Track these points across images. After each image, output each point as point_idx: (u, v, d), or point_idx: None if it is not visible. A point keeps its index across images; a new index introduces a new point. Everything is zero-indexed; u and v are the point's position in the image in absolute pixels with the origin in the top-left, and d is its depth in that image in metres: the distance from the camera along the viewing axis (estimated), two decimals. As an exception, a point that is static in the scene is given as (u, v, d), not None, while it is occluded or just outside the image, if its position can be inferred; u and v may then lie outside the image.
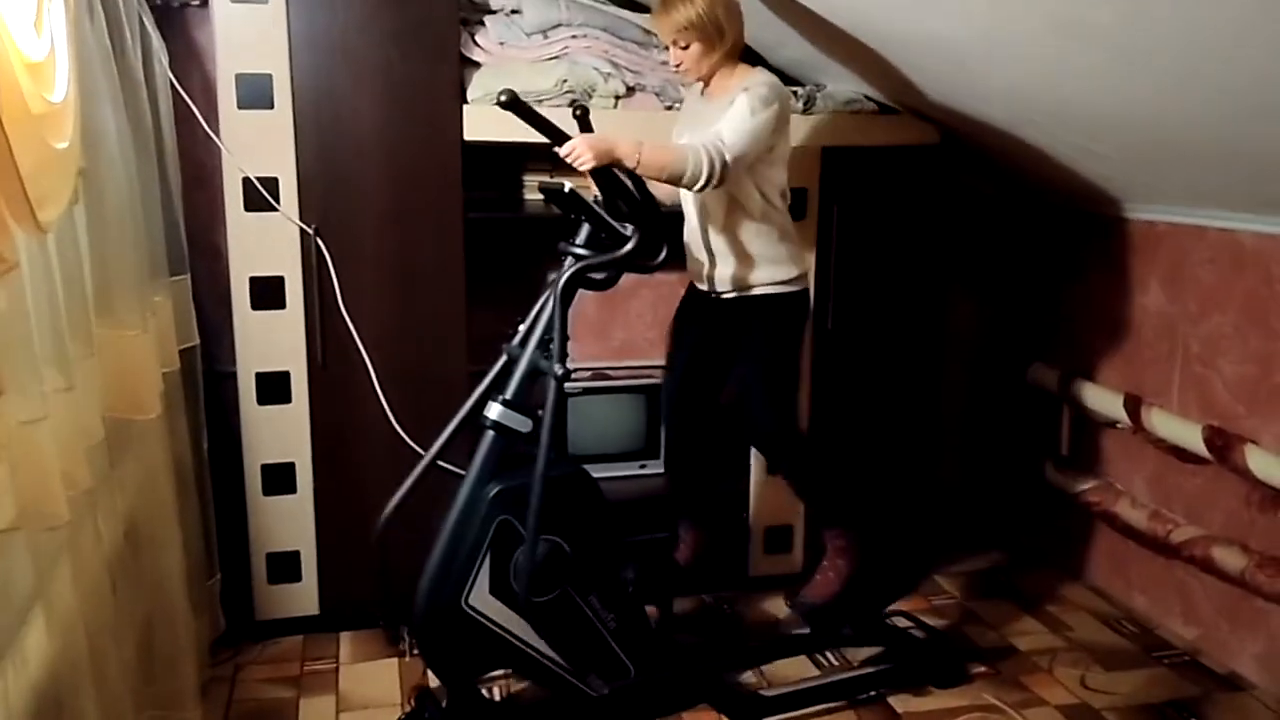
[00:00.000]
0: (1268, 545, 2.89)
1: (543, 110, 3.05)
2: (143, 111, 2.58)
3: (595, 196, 2.67)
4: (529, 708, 2.81)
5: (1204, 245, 3.09)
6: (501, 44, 3.13)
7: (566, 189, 2.46)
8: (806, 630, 3.14)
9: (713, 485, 3.24)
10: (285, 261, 2.99)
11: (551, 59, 3.16)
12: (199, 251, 3.08)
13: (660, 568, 3.19)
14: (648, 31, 3.20)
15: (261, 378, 3.04)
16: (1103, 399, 3.45)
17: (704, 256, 2.88)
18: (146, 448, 2.45)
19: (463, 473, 2.55)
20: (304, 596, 3.18)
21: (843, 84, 3.38)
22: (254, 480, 3.09)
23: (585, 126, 2.53)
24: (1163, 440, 3.20)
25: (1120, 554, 3.52)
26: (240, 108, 2.89)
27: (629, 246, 2.53)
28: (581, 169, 2.45)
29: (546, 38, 3.15)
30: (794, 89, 3.28)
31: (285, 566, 3.15)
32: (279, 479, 3.10)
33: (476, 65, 3.11)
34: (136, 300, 2.34)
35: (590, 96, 3.14)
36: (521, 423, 2.48)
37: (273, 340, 3.02)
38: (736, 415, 3.01)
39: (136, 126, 2.50)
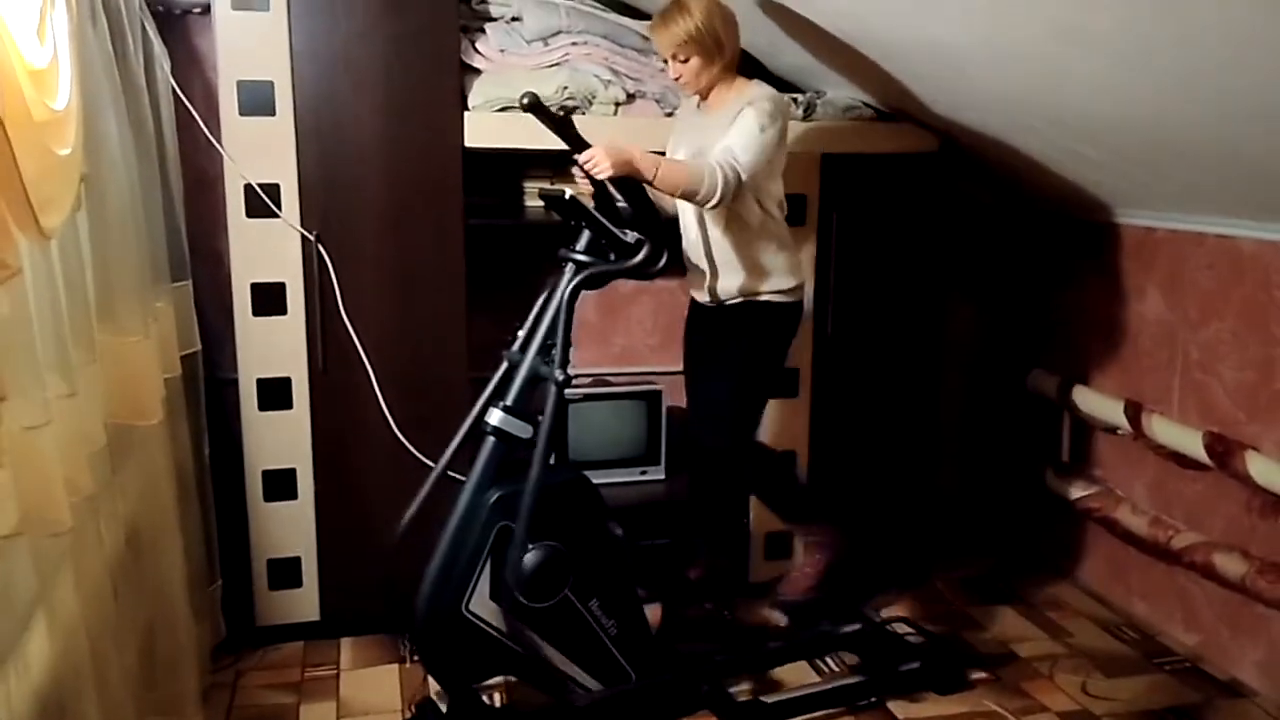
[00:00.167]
0: (1268, 551, 2.89)
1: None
2: (145, 118, 2.59)
3: (617, 202, 2.67)
4: (529, 714, 2.80)
5: (1203, 251, 3.10)
6: (502, 51, 3.13)
7: (567, 195, 2.47)
8: (784, 623, 3.18)
9: (732, 503, 3.25)
10: (286, 268, 3.00)
11: (552, 66, 3.17)
12: (200, 258, 3.09)
13: (670, 578, 3.19)
14: (647, 38, 3.20)
15: (262, 384, 3.04)
16: (1103, 405, 3.45)
17: (703, 268, 2.89)
18: (148, 454, 2.45)
19: (463, 479, 2.55)
20: (305, 602, 3.18)
21: (842, 91, 3.38)
22: (255, 486, 3.09)
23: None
24: (1163, 446, 3.21)
25: (1121, 560, 3.51)
26: (242, 114, 2.90)
27: (640, 257, 2.54)
28: (599, 177, 2.46)
29: (547, 45, 3.16)
30: (793, 96, 3.29)
31: (286, 572, 3.15)
32: (280, 485, 3.10)
33: (477, 72, 3.12)
34: (138, 306, 2.34)
35: (590, 103, 3.15)
36: (522, 429, 2.48)
37: (274, 346, 3.03)
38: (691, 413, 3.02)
39: (138, 133, 2.51)
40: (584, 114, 3.15)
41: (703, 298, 2.94)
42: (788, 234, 2.90)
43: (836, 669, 3.10)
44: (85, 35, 2.12)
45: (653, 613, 2.97)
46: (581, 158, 2.47)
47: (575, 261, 2.56)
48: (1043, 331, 3.88)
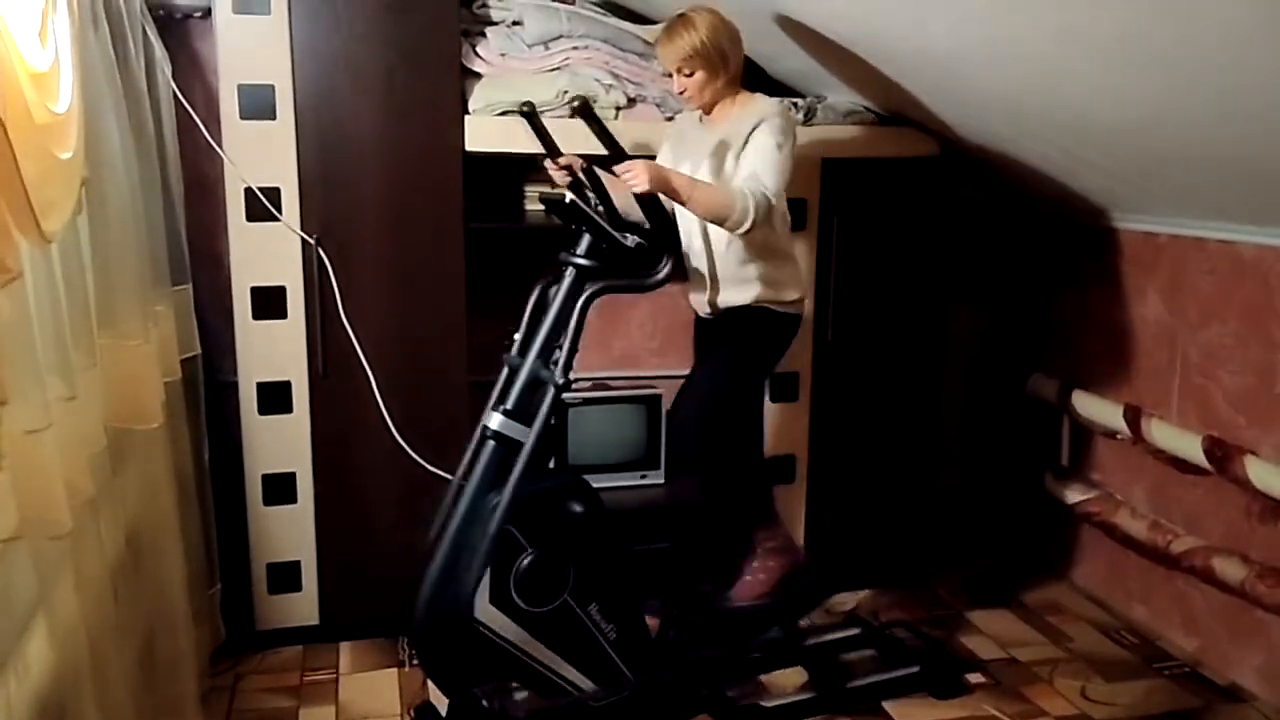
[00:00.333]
0: (1268, 556, 2.89)
1: (544, 121, 3.09)
2: (145, 122, 2.59)
3: (595, 206, 2.68)
4: (528, 717, 2.80)
5: (1203, 256, 3.10)
6: (503, 55, 3.14)
7: (567, 200, 2.47)
8: (721, 627, 3.06)
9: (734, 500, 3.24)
10: (287, 271, 3.00)
11: (553, 70, 3.17)
12: (201, 261, 3.09)
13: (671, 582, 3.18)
14: (648, 43, 3.21)
15: (262, 387, 3.04)
16: (1102, 409, 3.45)
17: (705, 282, 2.88)
18: (148, 457, 2.45)
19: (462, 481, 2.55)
20: (304, 606, 3.18)
21: (843, 95, 3.39)
22: (255, 490, 3.09)
23: (593, 122, 2.47)
24: (1162, 451, 3.21)
25: (1120, 564, 3.52)
26: (242, 118, 2.90)
27: (661, 274, 2.57)
28: (635, 190, 2.48)
29: (548, 49, 3.16)
30: (794, 100, 3.30)
31: (285, 576, 3.15)
32: (280, 489, 3.10)
33: (477, 76, 3.12)
34: (139, 310, 2.34)
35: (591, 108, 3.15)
36: (522, 432, 2.48)
37: (274, 350, 3.03)
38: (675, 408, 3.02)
39: (139, 136, 2.51)
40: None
41: (703, 310, 2.93)
42: (791, 247, 2.90)
43: (835, 673, 3.09)
44: (87, 39, 2.13)
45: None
46: (619, 168, 2.49)
47: (576, 266, 2.56)
48: (1043, 336, 3.88)
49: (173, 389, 2.67)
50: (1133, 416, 3.30)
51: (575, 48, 3.18)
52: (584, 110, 2.37)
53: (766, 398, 3.38)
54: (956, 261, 3.85)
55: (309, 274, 3.00)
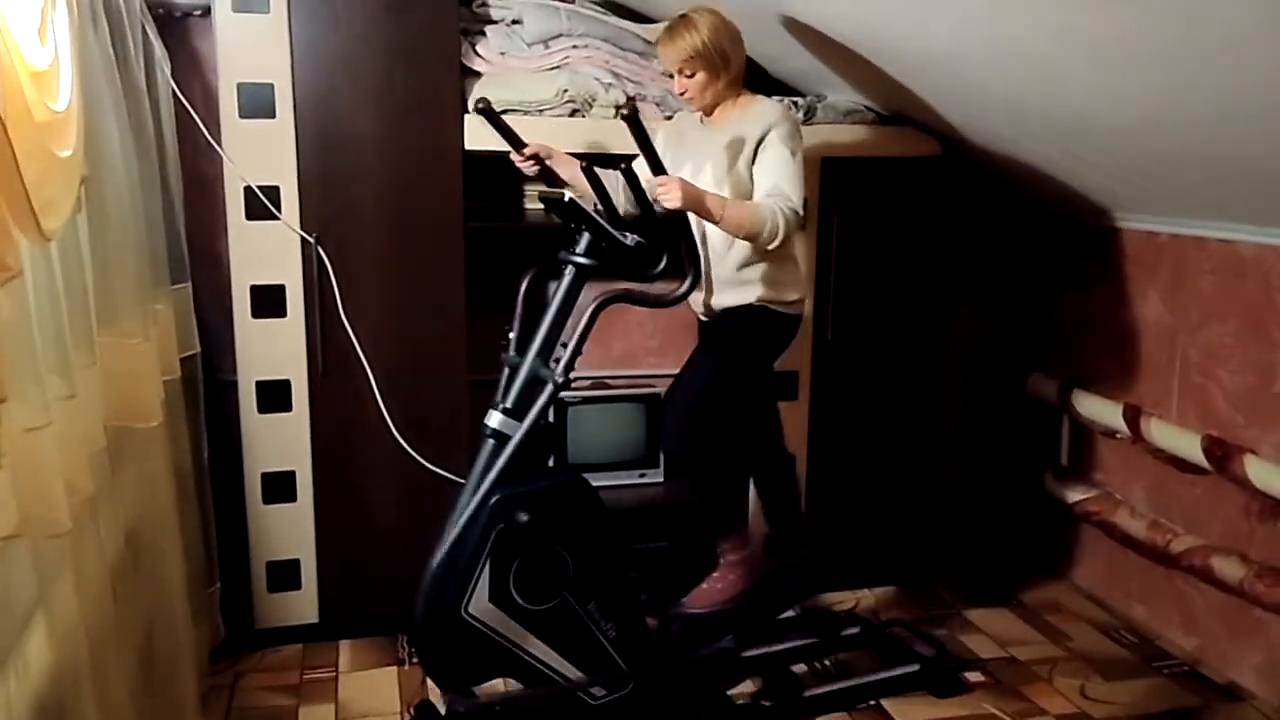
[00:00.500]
0: (1267, 555, 2.90)
1: (543, 120, 3.10)
2: (145, 120, 2.59)
3: (595, 206, 2.68)
4: (528, 716, 2.80)
5: (1204, 256, 3.10)
6: (502, 54, 3.14)
7: (567, 199, 2.47)
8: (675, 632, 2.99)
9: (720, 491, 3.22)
10: (286, 270, 3.00)
11: (552, 69, 3.17)
12: (200, 260, 3.09)
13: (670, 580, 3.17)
14: (649, 42, 3.21)
15: (262, 386, 3.04)
16: (1102, 409, 3.45)
17: (707, 285, 2.87)
18: (148, 455, 2.45)
19: (463, 481, 2.55)
20: (304, 605, 3.18)
21: (843, 95, 3.39)
22: (254, 488, 3.09)
23: (636, 126, 2.49)
24: (1162, 450, 3.21)
25: (1119, 564, 3.52)
26: (242, 117, 2.90)
27: (682, 290, 2.59)
28: (667, 206, 2.49)
29: (547, 48, 3.16)
30: (794, 99, 3.30)
31: (285, 575, 3.15)
32: (279, 487, 3.10)
33: (477, 75, 3.12)
34: (138, 308, 2.34)
35: (591, 106, 3.15)
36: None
37: (273, 348, 3.03)
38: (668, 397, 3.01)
39: (139, 135, 2.51)
40: (585, 117, 3.15)
41: (701, 312, 2.92)
42: (793, 248, 2.89)
43: (835, 672, 3.10)
44: (86, 37, 2.13)
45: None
46: (655, 180, 2.50)
47: (575, 264, 2.56)
48: (1043, 335, 3.88)
49: (172, 387, 2.67)
50: (1132, 416, 3.30)
51: (575, 46, 3.18)
52: (632, 116, 2.37)
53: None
54: (956, 261, 3.85)
55: (308, 272, 3.00)
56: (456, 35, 3.04)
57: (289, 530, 3.13)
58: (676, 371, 3.03)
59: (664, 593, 3.10)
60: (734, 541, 2.97)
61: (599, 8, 3.32)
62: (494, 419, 2.50)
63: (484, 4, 3.16)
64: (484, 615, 2.45)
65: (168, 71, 2.85)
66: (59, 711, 1.84)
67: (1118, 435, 3.43)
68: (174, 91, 2.88)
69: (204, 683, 2.87)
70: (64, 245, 1.94)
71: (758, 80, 3.32)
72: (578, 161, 2.77)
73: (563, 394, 2.65)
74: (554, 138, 2.95)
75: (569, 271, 2.58)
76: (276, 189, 2.95)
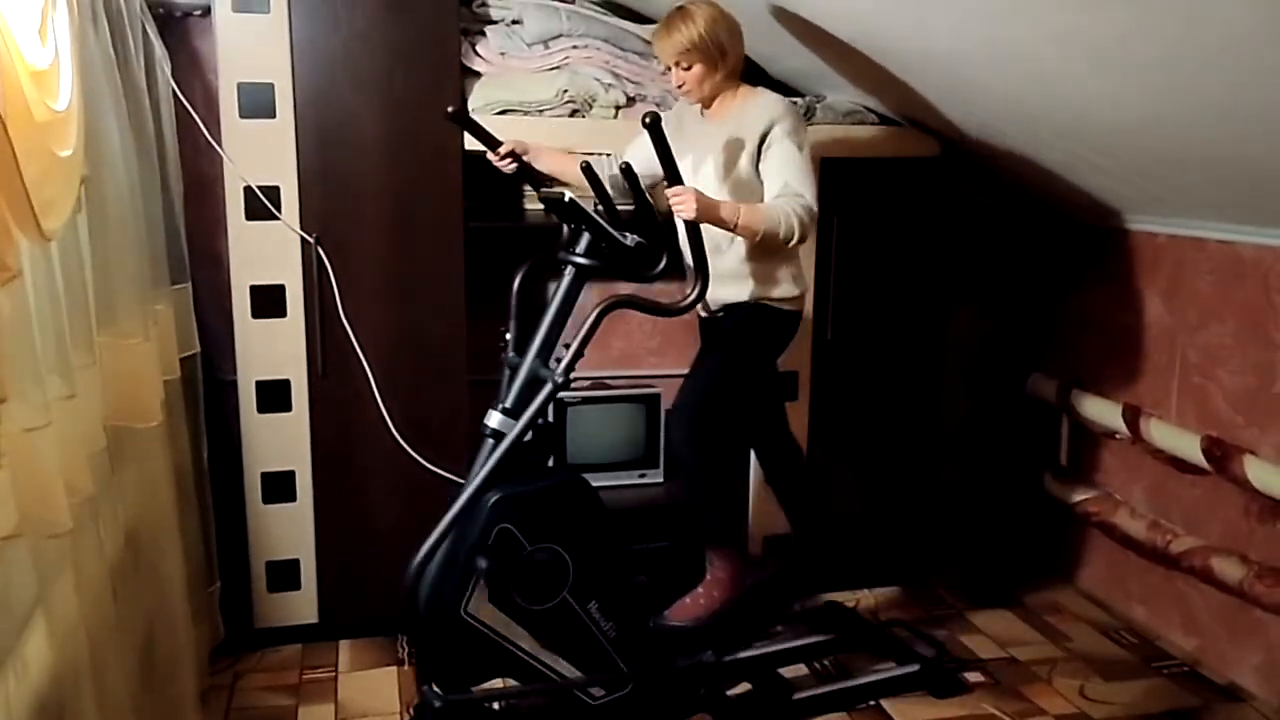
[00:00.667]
0: (1267, 556, 2.90)
1: (543, 120, 3.10)
2: (145, 120, 2.59)
3: (595, 205, 2.68)
4: (527, 716, 2.80)
5: (1203, 256, 3.10)
6: (502, 54, 3.14)
7: (567, 199, 2.47)
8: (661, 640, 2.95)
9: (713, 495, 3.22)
10: (286, 270, 3.00)
11: (552, 69, 3.17)
12: (200, 260, 3.09)
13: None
14: (649, 42, 3.20)
15: (262, 386, 3.04)
16: (1101, 409, 3.45)
17: (715, 282, 2.86)
18: (147, 455, 2.45)
19: (463, 481, 2.55)
20: (303, 605, 3.18)
21: (843, 95, 3.39)
22: (254, 488, 3.09)
23: (657, 135, 2.49)
24: (1161, 451, 3.21)
25: (1119, 564, 3.52)
26: (242, 117, 2.90)
27: (690, 299, 2.57)
28: (683, 217, 2.49)
29: (547, 48, 3.17)
30: (794, 100, 3.29)
31: (285, 574, 3.15)
32: (279, 487, 3.10)
33: (477, 75, 3.13)
34: (138, 308, 2.34)
35: (591, 107, 3.15)
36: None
37: (273, 348, 3.03)
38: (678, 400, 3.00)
39: (139, 135, 2.51)
40: (585, 117, 3.15)
41: (704, 311, 2.91)
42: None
43: (834, 672, 3.10)
44: (86, 37, 2.13)
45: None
46: (670, 192, 2.48)
47: (575, 264, 2.56)
48: (1043, 335, 3.89)
49: (172, 387, 2.67)
50: (1132, 416, 3.30)
51: (575, 47, 3.18)
52: (654, 125, 2.36)
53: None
54: (956, 261, 3.85)
55: (308, 272, 3.00)
56: (456, 35, 3.05)
57: (289, 530, 3.13)
58: (676, 371, 3.03)
59: (664, 592, 3.11)
60: (723, 556, 2.93)
61: (599, 8, 3.33)
62: (493, 419, 2.50)
63: (484, 4, 3.17)
64: (483, 615, 2.45)
65: (168, 71, 2.85)
66: (59, 711, 1.84)
67: (1117, 436, 3.43)
68: (174, 91, 2.88)
69: (203, 682, 2.87)
70: (64, 245, 1.94)
71: (757, 80, 3.31)
72: (560, 153, 2.77)
73: (562, 394, 2.65)
74: (554, 138, 2.96)
75: (569, 271, 2.58)
76: (276, 189, 2.95)
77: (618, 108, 3.19)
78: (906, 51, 2.79)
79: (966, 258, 3.95)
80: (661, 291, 3.51)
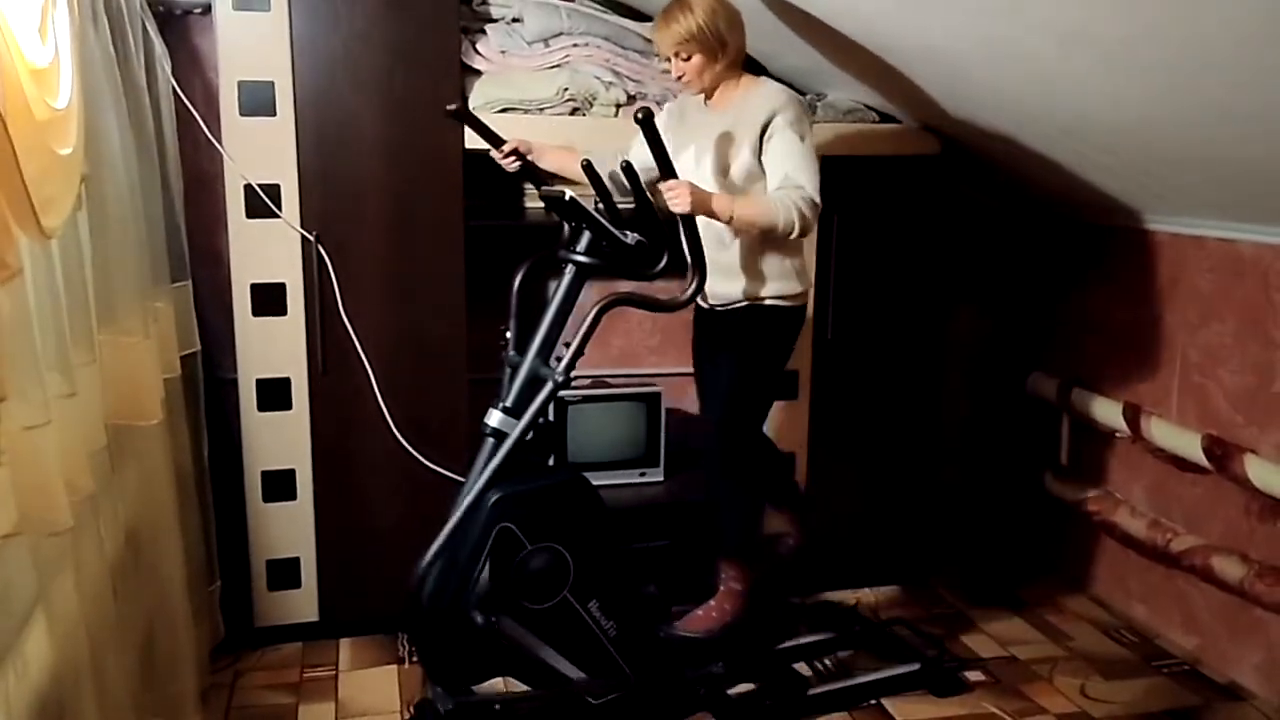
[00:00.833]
0: (1267, 555, 2.90)
1: (543, 118, 3.10)
2: (145, 118, 2.59)
3: (596, 203, 2.68)
4: (528, 715, 2.80)
5: (1203, 255, 3.10)
6: (503, 52, 3.13)
7: (567, 197, 2.47)
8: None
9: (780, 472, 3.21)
10: (286, 268, 3.00)
11: (552, 67, 3.17)
12: (200, 258, 3.09)
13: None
14: (649, 40, 3.20)
15: (262, 384, 3.04)
16: (1102, 408, 3.45)
17: (713, 276, 2.85)
18: (148, 454, 2.45)
19: (463, 479, 2.55)
20: (304, 603, 3.18)
21: (843, 92, 3.39)
22: (254, 487, 3.09)
23: (650, 130, 2.49)
24: (1162, 449, 3.21)
25: (1120, 563, 3.52)
26: (242, 115, 2.90)
27: (688, 294, 2.57)
28: (677, 211, 2.48)
29: (548, 46, 3.16)
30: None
31: (285, 573, 3.15)
32: (279, 485, 3.10)
33: (478, 73, 3.12)
34: (138, 306, 2.34)
35: (591, 105, 3.15)
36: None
37: (273, 347, 3.03)
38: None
39: (139, 133, 2.51)
40: (585, 115, 3.15)
41: (712, 300, 2.91)
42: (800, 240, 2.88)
43: (835, 671, 3.10)
44: (86, 35, 2.13)
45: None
46: (663, 185, 2.48)
47: (576, 263, 2.56)
48: (1043, 334, 3.88)
49: (172, 386, 2.67)
50: (1132, 415, 3.30)
51: (575, 45, 3.18)
52: (646, 120, 2.36)
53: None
54: (956, 260, 3.85)
55: (309, 271, 3.00)
56: (457, 33, 3.04)
57: (289, 528, 3.13)
58: (676, 370, 3.02)
59: (665, 591, 3.11)
60: (738, 569, 2.94)
61: (599, 6, 3.32)
62: (494, 418, 2.50)
63: (484, 2, 3.16)
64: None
65: (168, 69, 2.85)
66: (59, 709, 1.84)
67: (1118, 434, 3.43)
68: (174, 89, 2.88)
69: (204, 681, 2.87)
70: (64, 243, 1.94)
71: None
72: (563, 151, 2.77)
73: (563, 393, 2.65)
74: (554, 136, 2.95)
75: (569, 270, 2.57)
76: (277, 187, 2.95)
77: (618, 106, 3.18)
78: (908, 50, 2.79)
79: (967, 256, 3.95)
80: (661, 289, 3.53)
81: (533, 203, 3.36)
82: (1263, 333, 2.90)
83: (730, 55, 2.67)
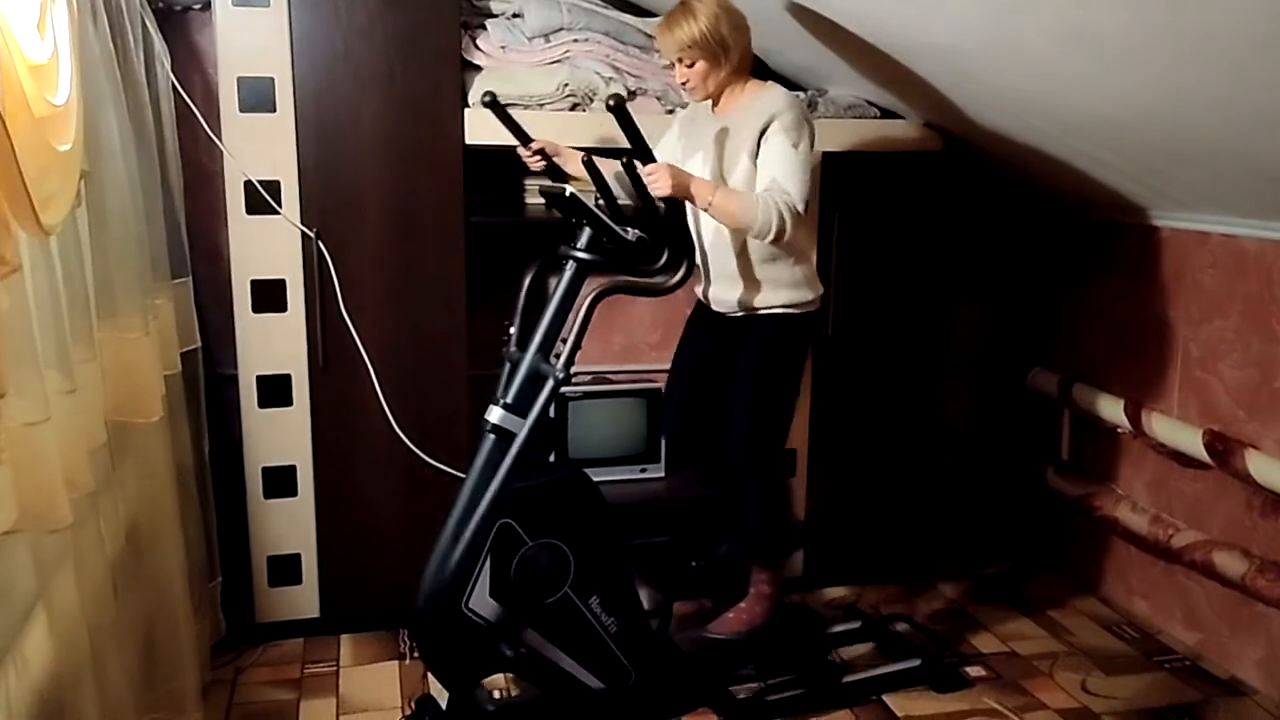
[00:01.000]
0: (1269, 550, 2.89)
1: (544, 114, 3.09)
2: (145, 114, 2.59)
3: (597, 200, 2.67)
4: (529, 711, 2.80)
5: (1206, 250, 3.10)
6: (503, 48, 3.13)
7: (568, 193, 2.47)
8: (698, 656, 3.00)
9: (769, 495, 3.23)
10: (286, 264, 2.99)
11: (553, 63, 3.16)
12: (200, 254, 3.09)
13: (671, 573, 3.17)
14: (650, 36, 3.20)
15: (262, 381, 3.04)
16: (1103, 404, 3.45)
17: (719, 281, 2.85)
18: (148, 451, 2.45)
19: (464, 476, 2.55)
20: (304, 599, 3.18)
21: (845, 88, 3.38)
22: (255, 483, 3.09)
23: (623, 117, 2.48)
24: (1163, 445, 3.20)
25: (1121, 559, 3.52)
26: (242, 111, 2.89)
27: (676, 279, 2.57)
28: (656, 194, 2.49)
29: (548, 41, 3.16)
30: (795, 93, 3.28)
31: (286, 569, 3.15)
32: (280, 482, 3.10)
33: (478, 69, 3.12)
34: (138, 303, 2.34)
35: (591, 100, 3.14)
36: (522, 426, 2.48)
37: (274, 343, 3.03)
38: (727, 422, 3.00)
39: (139, 129, 2.51)
40: (585, 111, 3.14)
41: (719, 308, 2.90)
42: (807, 244, 2.88)
43: (836, 667, 3.10)
44: (86, 31, 2.12)
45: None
46: (643, 170, 2.48)
47: (576, 259, 2.56)
48: (1044, 330, 3.88)
49: (173, 382, 2.67)
50: (1134, 411, 3.29)
51: (576, 40, 3.17)
52: (618, 107, 2.36)
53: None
54: (958, 256, 3.85)
55: (309, 267, 2.99)
56: (457, 29, 3.04)
57: (290, 525, 3.13)
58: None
59: (664, 588, 3.11)
60: (770, 573, 2.98)
61: (599, 1, 3.31)
62: (495, 414, 2.50)
63: (484, -2, 3.16)
64: (484, 611, 2.45)
65: (167, 65, 2.84)
66: (59, 707, 1.84)
67: (1119, 430, 3.42)
68: (174, 85, 2.88)
69: (205, 677, 2.87)
70: (63, 240, 1.94)
71: (758, 72, 3.31)
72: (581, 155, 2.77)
73: (563, 389, 2.65)
74: (555, 132, 2.95)
75: (569, 267, 2.57)
76: (277, 183, 2.94)
77: (607, 99, 3.17)
78: (911, 47, 2.78)
79: (968, 252, 3.95)
80: (655, 277, 3.53)
81: (533, 199, 3.35)
82: (1265, 328, 2.90)
83: (735, 61, 2.65)
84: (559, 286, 2.57)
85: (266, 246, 2.97)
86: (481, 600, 2.46)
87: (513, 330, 2.64)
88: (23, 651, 1.83)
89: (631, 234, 2.52)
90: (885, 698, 2.92)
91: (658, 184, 2.46)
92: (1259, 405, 2.91)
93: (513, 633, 2.50)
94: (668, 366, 3.57)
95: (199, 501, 2.93)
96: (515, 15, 3.16)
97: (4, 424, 1.61)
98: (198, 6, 3.08)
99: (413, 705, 2.71)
